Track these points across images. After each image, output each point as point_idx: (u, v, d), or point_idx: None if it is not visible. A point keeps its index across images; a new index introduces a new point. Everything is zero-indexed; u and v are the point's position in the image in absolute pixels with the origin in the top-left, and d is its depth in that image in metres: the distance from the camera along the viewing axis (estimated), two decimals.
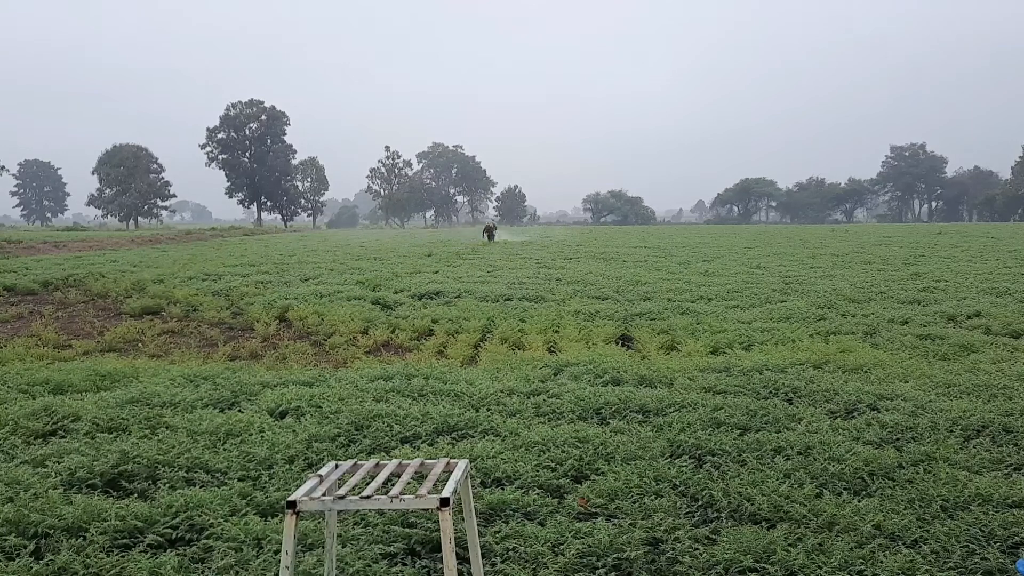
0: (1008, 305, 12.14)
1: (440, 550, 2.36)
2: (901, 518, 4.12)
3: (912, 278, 16.61)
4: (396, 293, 14.51)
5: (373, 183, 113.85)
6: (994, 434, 5.51)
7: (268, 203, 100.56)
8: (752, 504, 4.31)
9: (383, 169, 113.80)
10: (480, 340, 10.19)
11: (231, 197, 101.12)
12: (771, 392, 6.79)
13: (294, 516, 2.26)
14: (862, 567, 3.63)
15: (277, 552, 3.73)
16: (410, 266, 20.76)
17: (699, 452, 5.21)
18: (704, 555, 3.76)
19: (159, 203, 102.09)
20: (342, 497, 2.29)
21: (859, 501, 4.37)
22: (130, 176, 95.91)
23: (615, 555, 3.77)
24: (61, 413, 6.09)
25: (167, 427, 5.85)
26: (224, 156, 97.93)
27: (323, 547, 3.61)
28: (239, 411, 6.33)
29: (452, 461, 2.65)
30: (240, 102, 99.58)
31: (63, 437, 5.70)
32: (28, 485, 4.57)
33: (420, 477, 3.68)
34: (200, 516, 4.15)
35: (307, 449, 5.30)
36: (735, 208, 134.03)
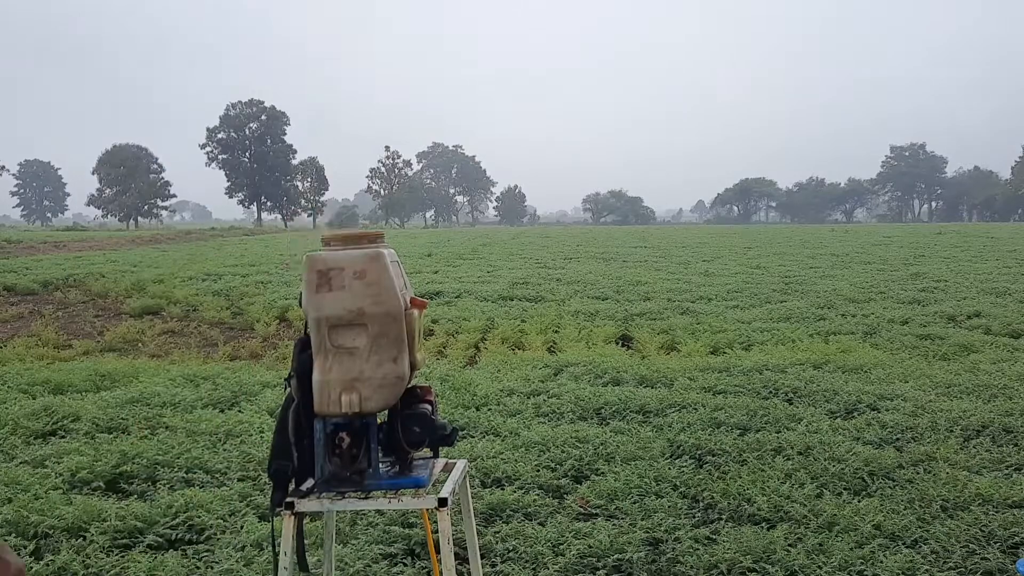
0: (1008, 305, 12.14)
1: (440, 550, 2.36)
2: (901, 518, 4.12)
3: (912, 278, 16.60)
4: None
5: (373, 183, 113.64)
6: (994, 434, 5.51)
7: (268, 203, 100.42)
8: (752, 504, 4.31)
9: (383, 169, 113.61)
10: (480, 340, 10.19)
11: (231, 197, 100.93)
12: (771, 392, 6.79)
13: (293, 516, 2.26)
14: (862, 567, 3.63)
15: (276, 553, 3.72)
16: (410, 266, 20.76)
17: (699, 452, 5.20)
18: (704, 555, 3.76)
19: (159, 203, 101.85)
20: (341, 497, 2.28)
21: (859, 501, 4.37)
22: (130, 176, 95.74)
23: (616, 555, 3.77)
24: (61, 413, 6.09)
25: (167, 427, 5.85)
26: (224, 156, 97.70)
27: (322, 547, 3.61)
28: (239, 411, 6.33)
29: (451, 461, 2.64)
30: (240, 102, 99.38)
31: (63, 437, 5.70)
32: (28, 485, 4.57)
33: None
34: (200, 517, 4.14)
35: None
36: (735, 208, 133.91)
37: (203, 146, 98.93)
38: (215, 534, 4.03)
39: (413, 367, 2.34)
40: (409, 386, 2.35)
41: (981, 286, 14.68)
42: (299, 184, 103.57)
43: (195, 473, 4.85)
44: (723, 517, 4.24)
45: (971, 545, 3.81)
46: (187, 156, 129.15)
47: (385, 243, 2.39)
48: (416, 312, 2.36)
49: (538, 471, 4.85)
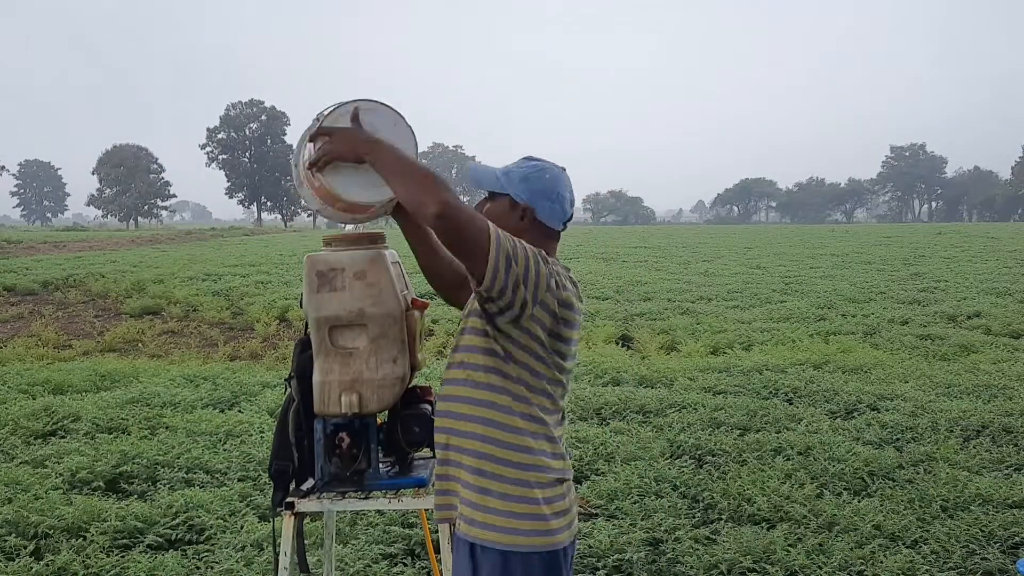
0: (1008, 305, 12.14)
1: (440, 551, 2.36)
2: (901, 518, 4.12)
3: (912, 278, 16.61)
4: None
5: None
6: (994, 434, 5.51)
7: (268, 203, 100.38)
8: (752, 504, 4.31)
9: None
10: None
11: (231, 197, 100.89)
12: (771, 392, 6.79)
13: (293, 517, 2.25)
14: (862, 567, 3.63)
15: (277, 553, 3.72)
16: (410, 265, 20.73)
17: (699, 452, 5.20)
18: (705, 555, 3.75)
19: (159, 203, 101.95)
20: (342, 497, 2.28)
21: (859, 501, 4.37)
22: (130, 176, 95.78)
23: (616, 555, 3.76)
24: (61, 413, 6.09)
25: (167, 427, 5.85)
26: (224, 156, 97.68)
27: (322, 547, 3.61)
28: (239, 411, 6.33)
29: None
30: (240, 102, 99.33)
31: (63, 437, 5.70)
32: (28, 485, 4.57)
33: None
34: (200, 517, 4.14)
35: None
36: (735, 208, 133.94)
37: (203, 146, 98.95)
38: (215, 534, 4.03)
39: (414, 368, 2.34)
40: (409, 386, 2.35)
41: (981, 286, 14.68)
42: None
43: (195, 473, 4.85)
44: (723, 517, 4.24)
45: (971, 545, 3.81)
46: (187, 156, 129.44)
47: (386, 244, 2.39)
48: (417, 313, 2.36)
49: None
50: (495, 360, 1.88)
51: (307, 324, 2.30)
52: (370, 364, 2.23)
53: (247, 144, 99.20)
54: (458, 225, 1.72)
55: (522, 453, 1.87)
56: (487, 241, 1.72)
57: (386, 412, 2.34)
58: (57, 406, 6.26)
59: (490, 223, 1.76)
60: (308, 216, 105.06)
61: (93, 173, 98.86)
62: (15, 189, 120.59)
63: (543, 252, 1.84)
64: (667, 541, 3.93)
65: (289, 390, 2.32)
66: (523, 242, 1.80)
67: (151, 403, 6.50)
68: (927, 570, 3.59)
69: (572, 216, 2.02)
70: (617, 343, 9.95)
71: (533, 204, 1.94)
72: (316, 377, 2.24)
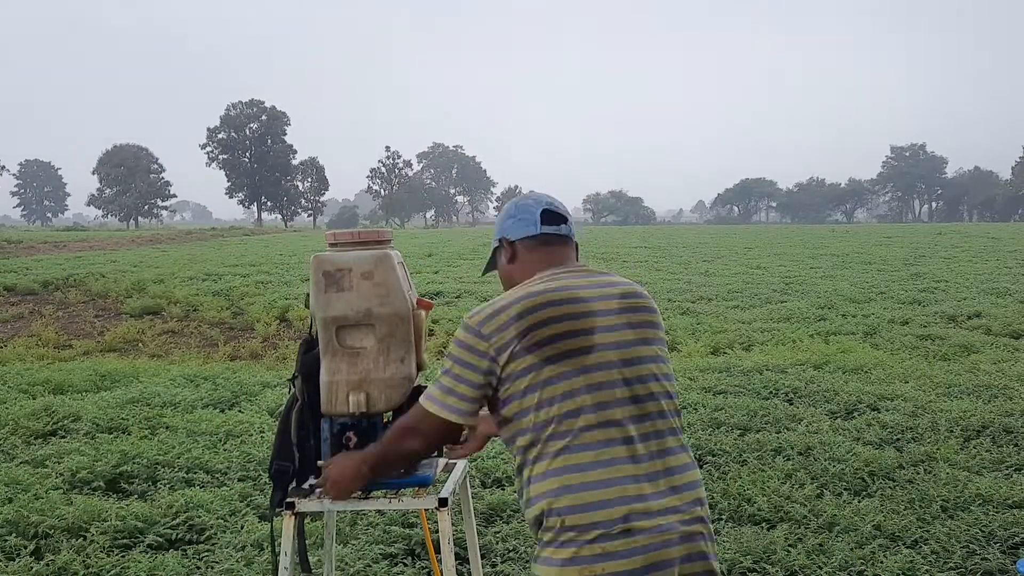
0: (1008, 305, 12.13)
1: (440, 550, 2.36)
2: (901, 518, 4.12)
3: (912, 278, 16.60)
4: None
5: (373, 183, 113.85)
6: (994, 434, 5.50)
7: (268, 203, 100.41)
8: (752, 504, 4.31)
9: (383, 169, 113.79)
10: None
11: (231, 197, 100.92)
12: (771, 392, 6.78)
13: (293, 517, 2.25)
14: (862, 567, 3.63)
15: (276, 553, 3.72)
16: (410, 265, 20.72)
17: (699, 452, 5.20)
18: None
19: (159, 203, 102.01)
20: None
21: (859, 501, 4.37)
22: (130, 176, 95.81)
23: None
24: (61, 413, 6.09)
25: (167, 427, 5.85)
26: (224, 156, 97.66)
27: (322, 547, 3.61)
28: (239, 411, 6.33)
29: (451, 461, 2.64)
30: (240, 102, 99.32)
31: (63, 437, 5.70)
32: (28, 485, 4.57)
33: None
34: (200, 517, 4.15)
35: None
36: (735, 208, 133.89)
37: (203, 146, 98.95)
38: (215, 534, 4.03)
39: (419, 367, 2.34)
40: (414, 386, 2.35)
41: (981, 286, 14.68)
42: (299, 184, 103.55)
43: (195, 473, 4.85)
44: (723, 517, 4.23)
45: (971, 545, 3.81)
46: (187, 156, 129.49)
47: (391, 244, 2.39)
48: (423, 313, 2.36)
49: None
50: None
51: (311, 323, 2.30)
52: (378, 363, 2.24)
53: (247, 144, 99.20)
54: (420, 429, 1.96)
55: None
56: (429, 415, 1.93)
57: (390, 412, 2.34)
58: (57, 406, 6.26)
59: (422, 407, 1.94)
60: (308, 216, 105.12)
61: (93, 173, 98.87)
62: (15, 189, 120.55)
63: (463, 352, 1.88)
64: None
65: (293, 390, 2.32)
66: (450, 363, 1.90)
67: (151, 403, 6.50)
68: (927, 570, 3.59)
69: (553, 213, 2.06)
70: None
71: (502, 235, 2.06)
72: (323, 377, 2.25)
